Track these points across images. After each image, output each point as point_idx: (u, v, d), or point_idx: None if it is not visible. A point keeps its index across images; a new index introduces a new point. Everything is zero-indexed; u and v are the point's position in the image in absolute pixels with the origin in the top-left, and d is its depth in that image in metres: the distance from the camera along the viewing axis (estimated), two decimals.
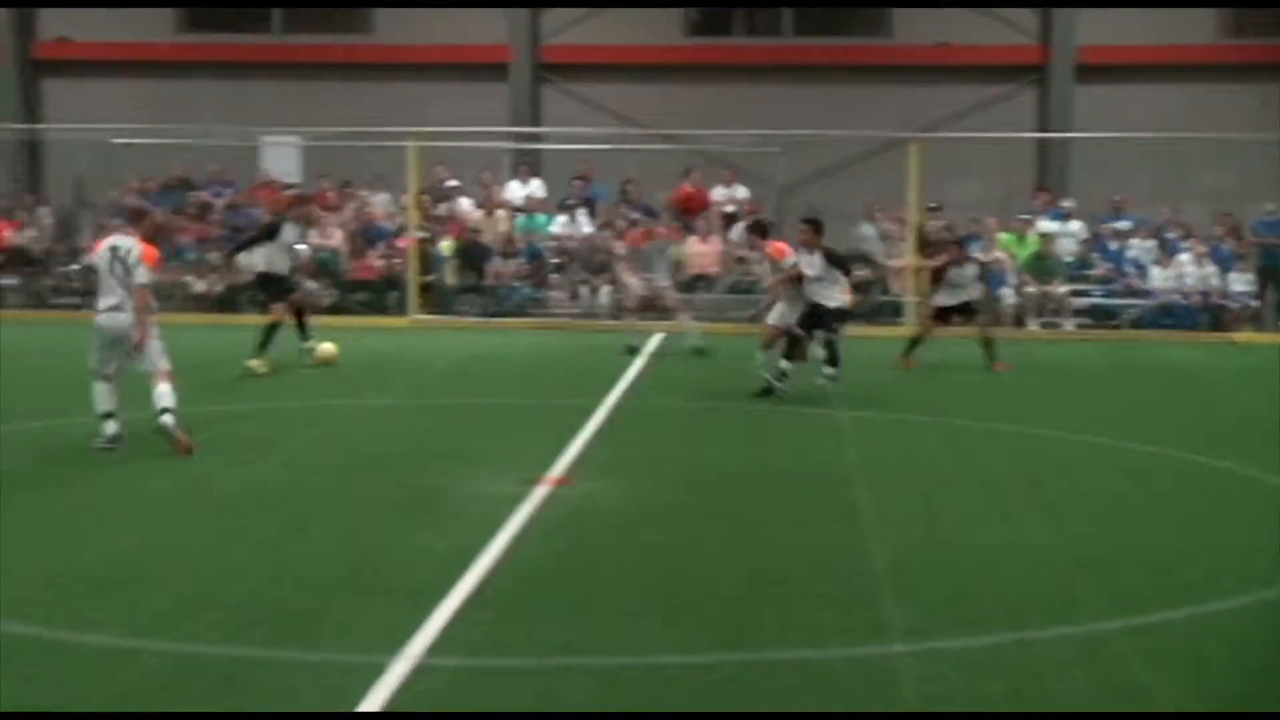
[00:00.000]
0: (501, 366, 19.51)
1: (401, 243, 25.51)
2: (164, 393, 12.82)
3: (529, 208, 26.87)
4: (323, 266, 25.34)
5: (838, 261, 16.79)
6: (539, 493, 11.36)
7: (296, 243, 19.20)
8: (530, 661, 7.59)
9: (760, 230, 18.24)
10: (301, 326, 19.01)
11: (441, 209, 26.51)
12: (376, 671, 7.28)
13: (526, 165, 28.08)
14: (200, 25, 31.22)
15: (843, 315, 16.82)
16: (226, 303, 24.97)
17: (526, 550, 9.73)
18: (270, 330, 18.48)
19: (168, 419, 12.75)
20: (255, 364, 18.10)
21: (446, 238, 25.86)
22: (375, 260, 25.55)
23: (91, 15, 30.73)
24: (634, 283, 21.02)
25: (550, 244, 26.29)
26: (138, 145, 28.07)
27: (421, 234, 25.25)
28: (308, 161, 29.19)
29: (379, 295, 25.39)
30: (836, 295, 16.64)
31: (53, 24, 31.12)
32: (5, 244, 26.01)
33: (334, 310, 24.78)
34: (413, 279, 24.89)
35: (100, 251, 13.26)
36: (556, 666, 7.53)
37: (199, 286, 25.14)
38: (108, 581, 8.93)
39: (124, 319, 12.92)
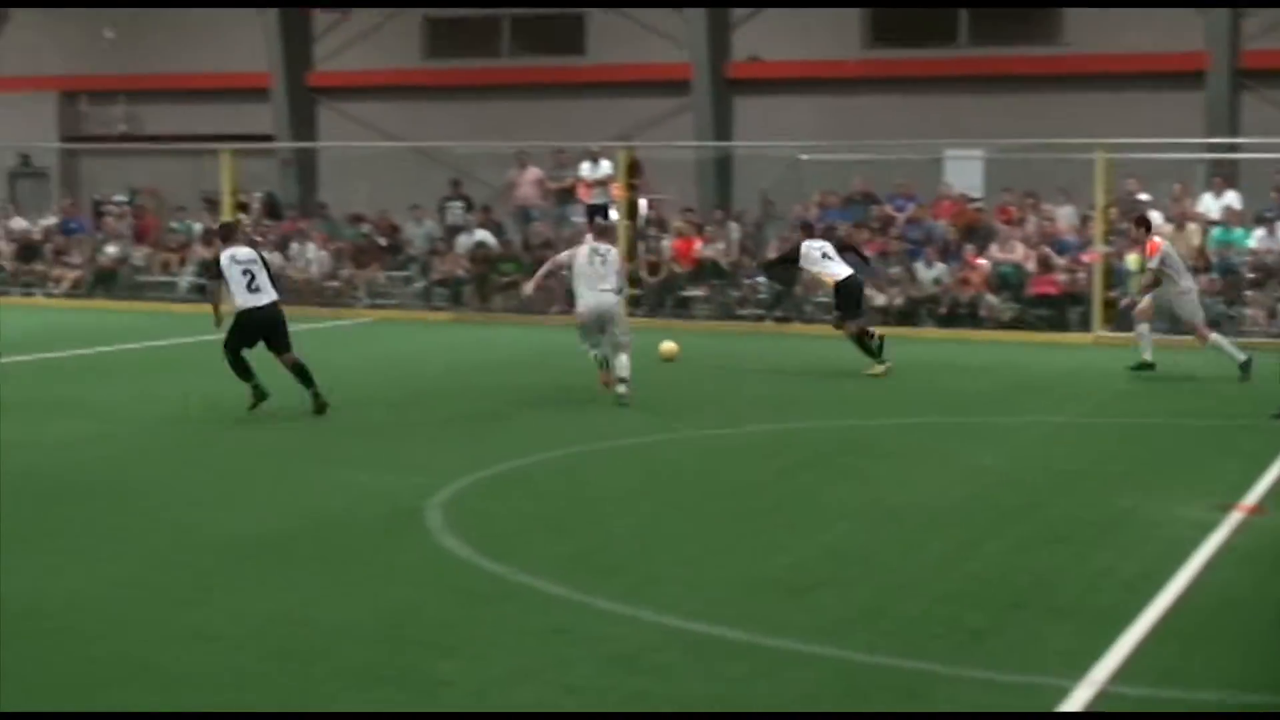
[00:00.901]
0: (1187, 385, 18.79)
1: (1086, 257, 25.05)
2: (625, 363, 16.35)
3: (1224, 220, 25.82)
4: (1003, 280, 25.21)
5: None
6: (1231, 519, 10.89)
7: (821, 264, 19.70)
8: (1221, 695, 7.27)
9: (1145, 224, 19.36)
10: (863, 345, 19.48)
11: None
12: (1058, 695, 7.16)
13: (1221, 176, 26.99)
14: (885, 41, 31.74)
15: None
16: (907, 315, 25.24)
17: (1218, 579, 9.34)
18: (860, 340, 19.32)
19: (622, 389, 16.22)
20: (877, 370, 18.99)
21: (1133, 252, 25.20)
22: (1058, 274, 25.20)
23: (781, 35, 31.80)
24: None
25: (1246, 259, 25.17)
26: (822, 160, 28.82)
27: (1107, 248, 24.72)
28: (990, 174, 29.11)
29: (1060, 311, 25.01)
30: None
31: (744, 44, 32.39)
32: (696, 256, 27.24)
33: (1014, 325, 24.60)
34: (1097, 294, 24.39)
35: (583, 253, 16.87)
36: (1248, 704, 7.17)
37: (879, 299, 25.53)
38: (793, 586, 9.19)
39: (607, 298, 16.63)
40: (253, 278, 15.54)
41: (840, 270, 19.64)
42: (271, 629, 8.27)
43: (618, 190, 27.75)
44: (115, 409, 16.24)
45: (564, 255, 17.64)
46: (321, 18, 35.05)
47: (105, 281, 30.24)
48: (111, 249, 30.85)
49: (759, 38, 32.16)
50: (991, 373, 19.39)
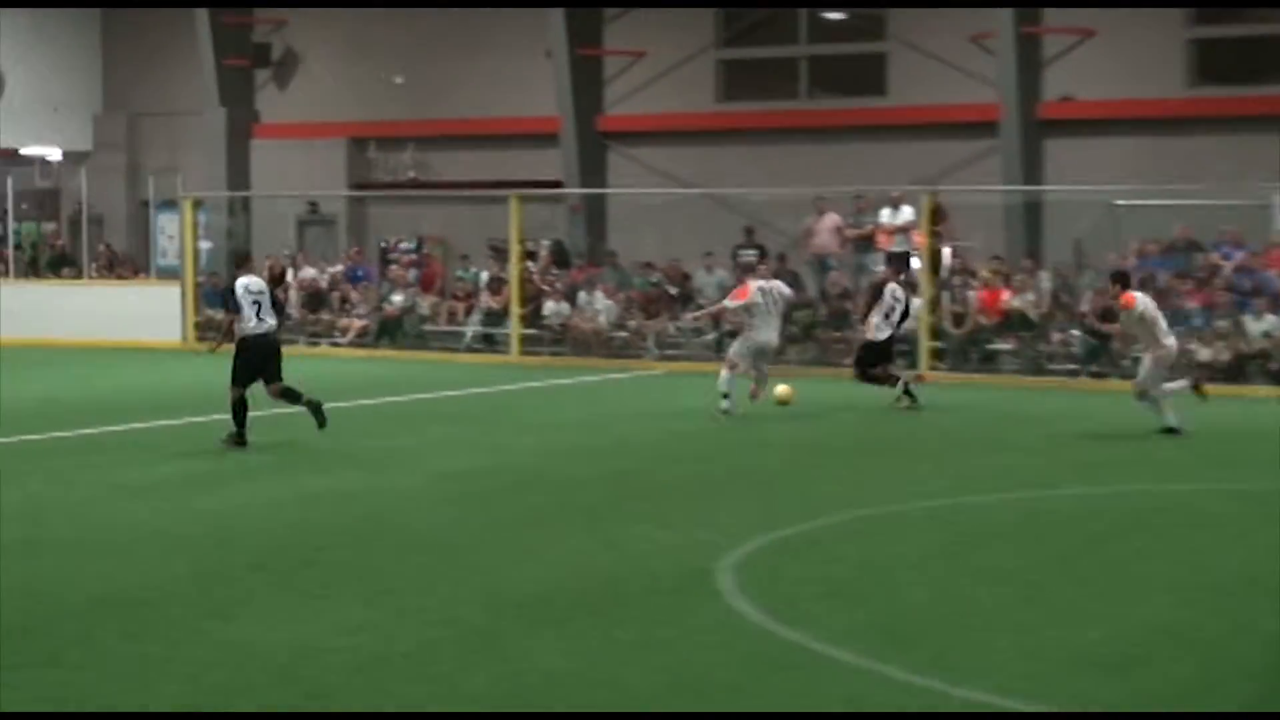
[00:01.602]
0: None
1: None
2: (726, 379, 19.89)
3: None
4: None
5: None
6: None
7: (899, 304, 21.37)
8: None
9: (1118, 279, 19.26)
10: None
11: None
12: None
13: None
14: (1211, 78, 30.89)
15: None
16: (1235, 371, 24.47)
17: None
18: (884, 383, 21.27)
19: (724, 403, 19.69)
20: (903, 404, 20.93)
21: None
22: None
23: (1096, 73, 31.21)
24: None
25: None
26: (1140, 205, 28.16)
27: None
28: None
29: None
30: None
31: (1057, 84, 31.89)
32: (1003, 307, 26.84)
33: None
34: None
35: (752, 292, 20.31)
36: None
37: (1203, 354, 24.82)
38: (1107, 662, 8.92)
39: (776, 337, 20.44)
40: (260, 307, 17.24)
41: (884, 334, 21.33)
42: (563, 689, 8.36)
43: (920, 238, 27.53)
44: (399, 459, 16.64)
45: (739, 300, 20.45)
46: (612, 61, 35.57)
47: (390, 330, 31.02)
48: (397, 297, 31.66)
49: (1072, 75, 31.61)
50: None
